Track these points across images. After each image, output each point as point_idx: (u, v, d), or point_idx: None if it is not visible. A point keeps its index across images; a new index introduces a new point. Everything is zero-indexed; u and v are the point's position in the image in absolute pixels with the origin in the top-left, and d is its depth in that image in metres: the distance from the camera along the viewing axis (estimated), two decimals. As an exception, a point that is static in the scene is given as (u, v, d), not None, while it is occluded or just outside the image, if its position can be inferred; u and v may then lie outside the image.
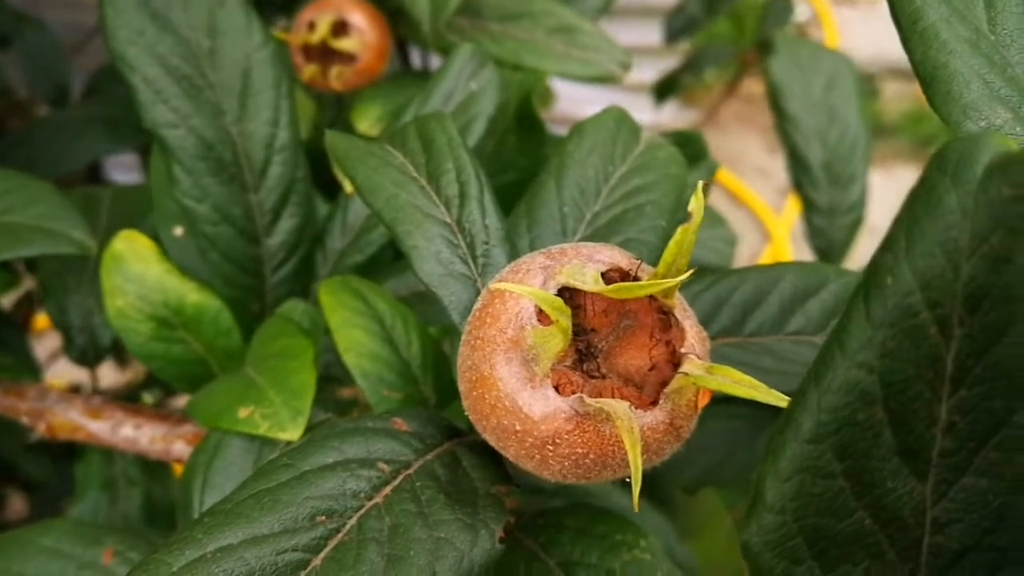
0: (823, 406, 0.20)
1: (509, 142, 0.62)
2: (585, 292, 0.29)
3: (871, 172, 0.84)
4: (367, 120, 0.58)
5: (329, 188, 0.55)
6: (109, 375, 0.80)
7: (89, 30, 1.08)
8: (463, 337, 0.30)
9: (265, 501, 0.25)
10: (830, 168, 0.79)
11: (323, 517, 0.25)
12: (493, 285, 0.29)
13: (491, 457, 0.31)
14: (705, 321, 0.37)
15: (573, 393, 0.28)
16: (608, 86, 0.57)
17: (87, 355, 0.56)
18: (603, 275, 0.29)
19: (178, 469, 0.41)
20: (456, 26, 0.59)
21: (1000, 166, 0.19)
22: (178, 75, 0.43)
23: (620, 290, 0.28)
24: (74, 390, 0.75)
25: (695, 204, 0.27)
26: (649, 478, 0.33)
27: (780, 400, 0.25)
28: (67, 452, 0.68)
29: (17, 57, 0.88)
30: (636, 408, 0.28)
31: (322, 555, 0.25)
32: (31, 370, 0.59)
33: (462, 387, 0.29)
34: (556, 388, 0.28)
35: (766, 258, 1.93)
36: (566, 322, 0.27)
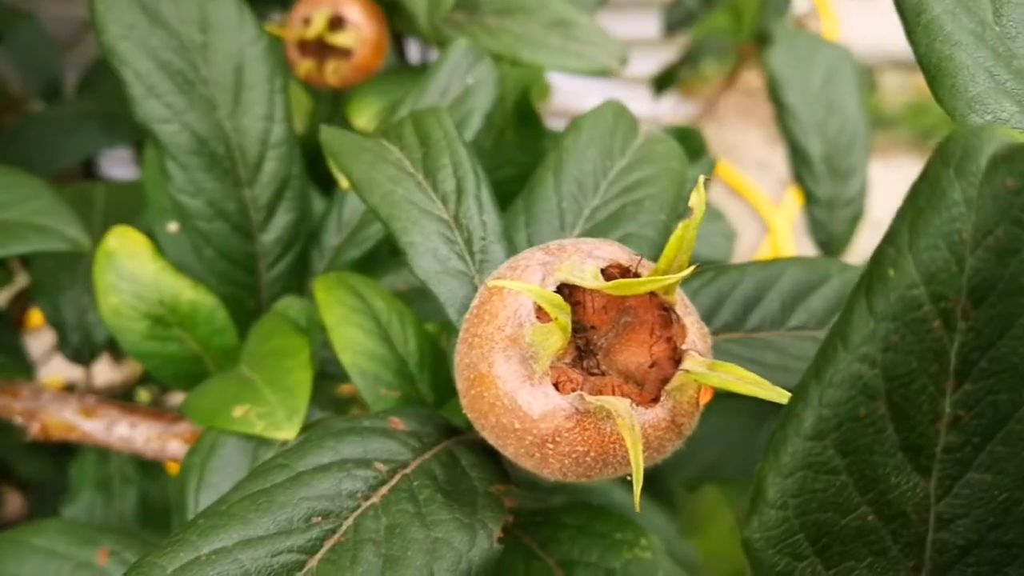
0: (825, 401, 0.20)
1: (507, 137, 0.62)
2: (584, 289, 0.29)
3: (872, 164, 0.83)
4: (364, 115, 0.58)
5: (326, 183, 0.54)
6: (105, 371, 0.80)
7: (84, 24, 1.07)
8: (461, 335, 0.29)
9: (260, 502, 0.25)
10: (830, 161, 0.79)
11: (319, 518, 0.25)
12: (491, 282, 0.29)
13: (489, 456, 0.31)
14: (707, 317, 0.37)
15: (573, 391, 0.27)
16: (606, 79, 0.56)
17: (82, 353, 0.56)
18: (603, 271, 0.29)
19: (173, 468, 0.41)
20: (453, 20, 0.59)
21: (1005, 157, 0.18)
22: (171, 70, 0.42)
23: (620, 287, 0.27)
24: (70, 387, 0.74)
25: (696, 199, 0.27)
26: (650, 475, 0.32)
27: (782, 396, 0.25)
28: (64, 450, 0.68)
29: (9, 52, 0.88)
30: (637, 405, 0.27)
31: (318, 556, 0.24)
32: (25, 369, 0.59)
33: (460, 385, 0.29)
34: (556, 386, 0.27)
35: (766, 250, 1.93)
36: (565, 319, 0.27)
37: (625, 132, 0.40)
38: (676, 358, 0.29)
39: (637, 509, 0.26)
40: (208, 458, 0.36)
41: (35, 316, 1.00)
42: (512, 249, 0.34)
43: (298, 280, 0.46)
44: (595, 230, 0.37)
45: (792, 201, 1.97)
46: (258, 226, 0.44)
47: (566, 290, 0.29)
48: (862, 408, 0.20)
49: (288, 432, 0.34)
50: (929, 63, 0.29)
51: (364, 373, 0.35)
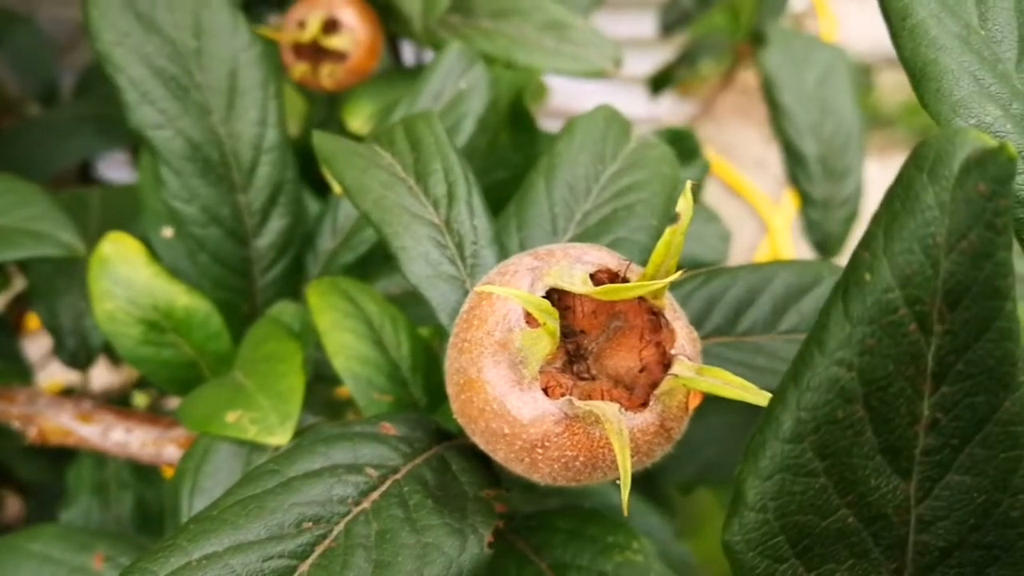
0: (803, 404, 0.20)
1: (502, 139, 0.62)
2: (574, 294, 0.29)
3: (869, 163, 0.83)
4: (359, 118, 0.58)
5: (321, 186, 0.55)
6: (104, 374, 0.80)
7: (81, 26, 1.06)
8: (451, 340, 0.30)
9: (251, 508, 0.25)
10: (825, 161, 0.79)
11: (310, 523, 0.25)
12: (479, 287, 0.29)
13: (480, 460, 0.31)
14: (698, 320, 0.37)
15: (562, 395, 0.28)
16: (603, 79, 0.56)
17: (78, 358, 0.56)
18: (592, 276, 0.29)
19: (169, 472, 0.41)
20: (447, 23, 0.59)
21: (977, 162, 0.18)
22: (164, 76, 0.42)
23: (608, 292, 0.28)
24: (69, 391, 0.75)
25: (683, 205, 0.27)
26: (646, 477, 0.32)
27: (767, 400, 0.25)
28: (64, 454, 0.68)
29: (6, 55, 0.88)
30: (626, 410, 0.28)
31: (309, 561, 0.25)
32: (22, 373, 0.59)
33: (450, 390, 0.29)
34: (545, 390, 0.27)
35: (764, 250, 1.93)
36: (553, 325, 0.27)
37: (617, 137, 0.40)
38: (665, 362, 0.30)
39: (625, 513, 0.26)
40: (202, 463, 0.36)
41: (34, 320, 1.00)
42: (503, 254, 0.34)
43: (293, 284, 0.46)
44: (587, 235, 0.37)
45: (790, 200, 1.97)
46: (252, 231, 0.44)
47: (556, 295, 0.30)
48: (840, 411, 0.20)
49: (281, 437, 0.34)
50: (914, 67, 0.29)
51: (357, 377, 0.36)
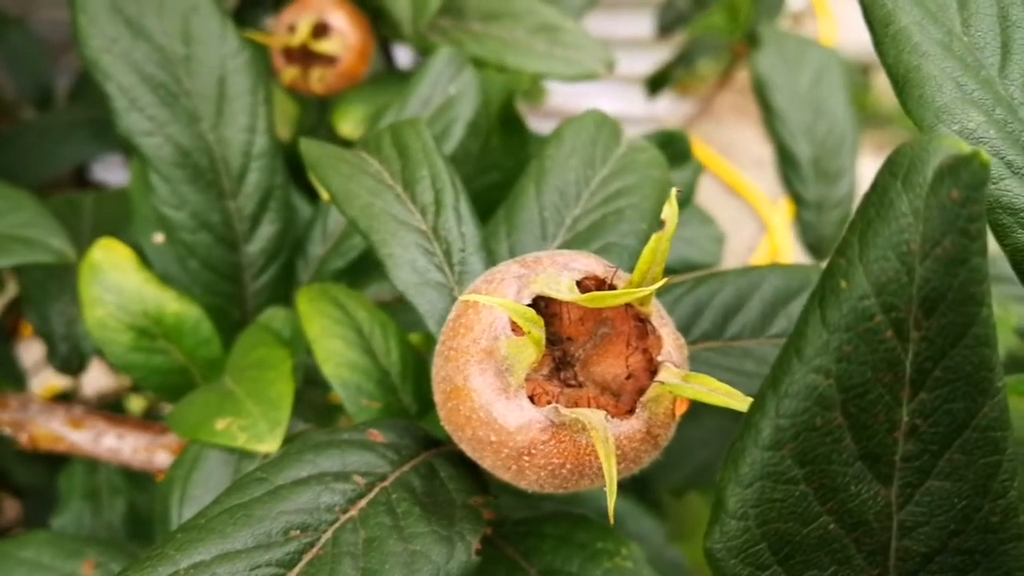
0: (781, 411, 0.20)
1: (493, 142, 0.62)
2: (561, 301, 0.29)
3: (866, 163, 0.83)
4: (350, 122, 0.58)
5: (313, 192, 0.55)
6: (99, 378, 0.80)
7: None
8: (437, 347, 0.30)
9: (238, 516, 0.25)
10: (818, 163, 0.79)
11: (297, 532, 0.25)
12: (465, 296, 0.29)
13: (469, 467, 0.31)
14: (687, 325, 0.37)
15: (549, 403, 0.28)
16: (602, 79, 0.56)
17: (70, 363, 0.56)
18: (579, 283, 0.29)
19: (161, 479, 0.41)
20: (438, 26, 0.59)
21: (950, 169, 0.19)
22: (153, 82, 0.42)
23: (595, 299, 0.28)
24: (66, 395, 0.75)
25: (668, 212, 0.27)
26: (638, 481, 0.32)
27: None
28: (60, 458, 0.68)
29: (0, 58, 0.88)
30: (613, 417, 0.28)
31: (296, 570, 0.25)
32: (15, 379, 0.59)
33: (437, 398, 0.29)
34: (531, 398, 0.27)
35: (763, 249, 1.93)
36: (539, 333, 0.27)
37: (607, 141, 0.40)
38: (652, 369, 0.30)
39: (611, 521, 0.26)
40: (191, 471, 0.36)
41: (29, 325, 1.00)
42: (492, 260, 0.34)
43: (283, 290, 0.46)
44: (577, 240, 0.37)
45: (788, 200, 1.97)
46: (242, 237, 0.44)
47: (543, 302, 0.30)
48: (818, 418, 0.20)
49: (270, 444, 0.34)
50: (897, 73, 0.29)
51: (346, 384, 0.36)
